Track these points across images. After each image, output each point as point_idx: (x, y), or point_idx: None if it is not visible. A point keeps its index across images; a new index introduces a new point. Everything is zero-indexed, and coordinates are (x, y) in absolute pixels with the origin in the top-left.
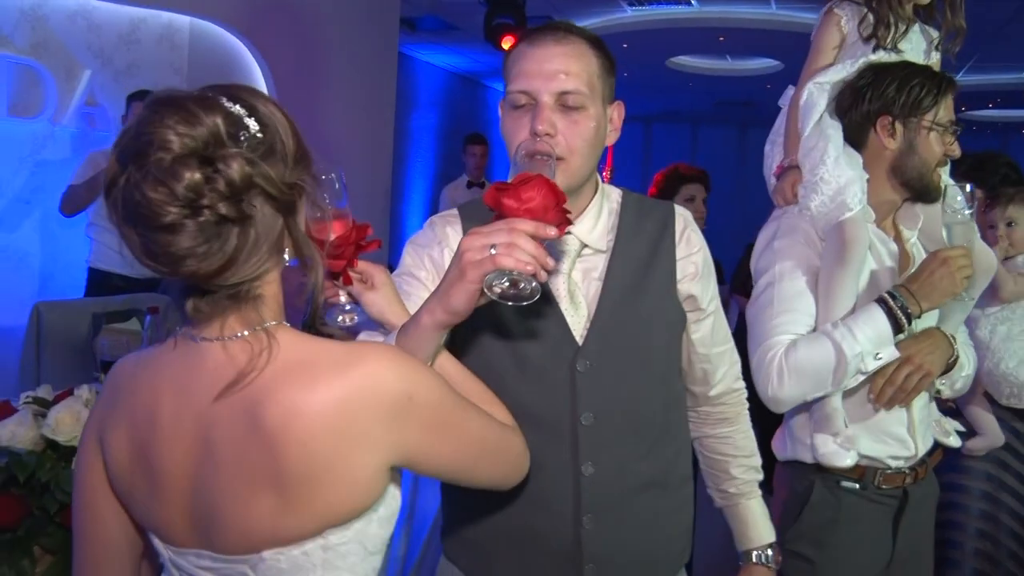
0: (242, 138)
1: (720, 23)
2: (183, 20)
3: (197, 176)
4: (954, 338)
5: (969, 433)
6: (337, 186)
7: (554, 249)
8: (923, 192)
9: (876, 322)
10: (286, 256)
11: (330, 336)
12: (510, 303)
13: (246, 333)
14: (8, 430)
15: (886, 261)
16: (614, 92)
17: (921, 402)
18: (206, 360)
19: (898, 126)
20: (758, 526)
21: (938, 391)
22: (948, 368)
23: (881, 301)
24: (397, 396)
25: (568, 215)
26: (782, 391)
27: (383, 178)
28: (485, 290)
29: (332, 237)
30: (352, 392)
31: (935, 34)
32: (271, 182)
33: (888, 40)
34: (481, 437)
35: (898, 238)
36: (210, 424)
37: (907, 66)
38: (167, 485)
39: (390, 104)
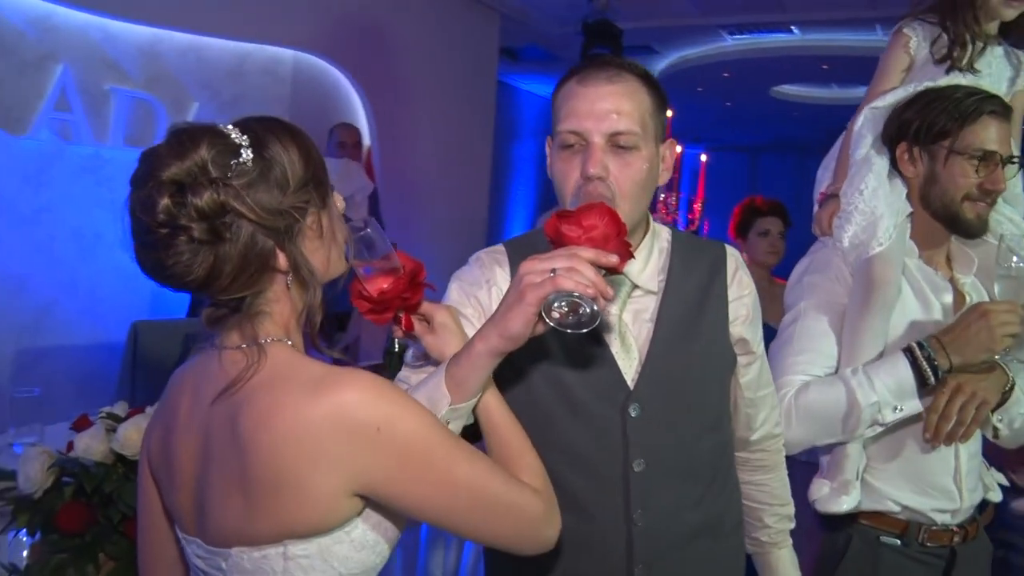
0: (232, 166)
1: (823, 51)
2: (287, 54)
3: (167, 202)
4: (1008, 365)
5: (1013, 489)
6: (375, 240)
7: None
8: (951, 225)
9: (898, 372)
10: (289, 279)
11: (343, 359)
12: (568, 331)
13: (244, 346)
14: (83, 442)
15: (933, 301)
16: (665, 130)
17: (970, 450)
18: (212, 366)
19: (917, 152)
20: None
21: (995, 431)
22: (1003, 399)
23: (908, 350)
24: (363, 425)
25: (630, 247)
26: (789, 433)
27: (480, 207)
28: (543, 314)
29: (385, 287)
30: (318, 413)
31: None
32: (251, 209)
33: (964, 61)
34: (472, 487)
35: (953, 280)
36: (208, 424)
37: (952, 89)
38: (179, 476)
39: (488, 133)
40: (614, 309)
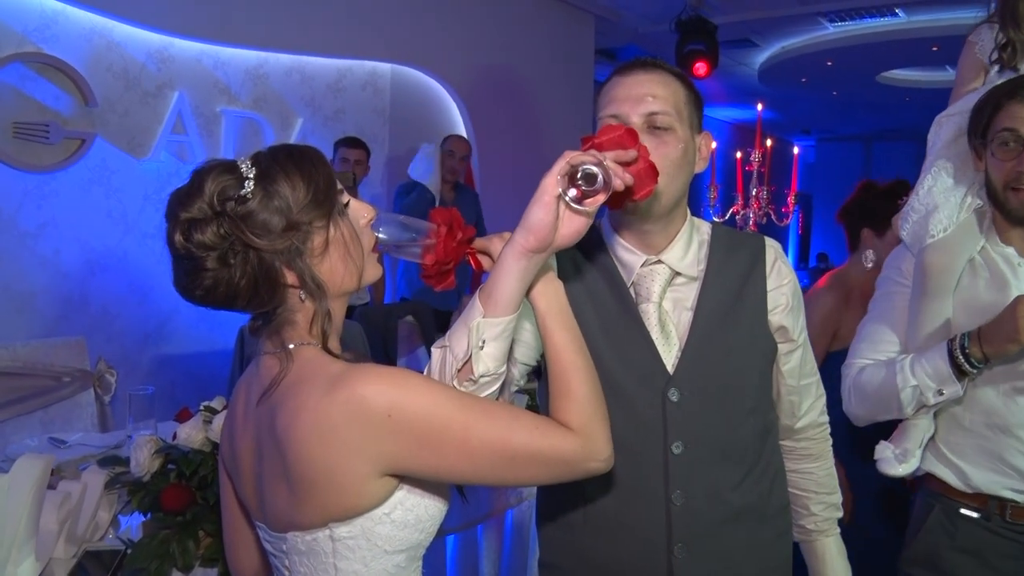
0: (235, 198)
1: (931, 32)
2: (385, 67)
3: (180, 238)
4: None
5: None
6: (398, 230)
7: (646, 279)
8: (1002, 213)
9: (936, 361)
10: (301, 293)
11: (358, 359)
12: (585, 206)
13: (276, 352)
14: (184, 432)
15: (1012, 284)
16: (702, 124)
17: None
18: (256, 370)
19: (978, 148)
20: (835, 565)
21: None
22: None
23: (950, 340)
24: (375, 414)
25: (656, 172)
26: (850, 409)
27: None
28: (562, 195)
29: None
30: (335, 409)
31: None
32: (253, 236)
33: (1011, 61)
34: (493, 447)
35: None
36: (257, 424)
37: (1004, 84)
38: (243, 471)
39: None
40: (655, 296)
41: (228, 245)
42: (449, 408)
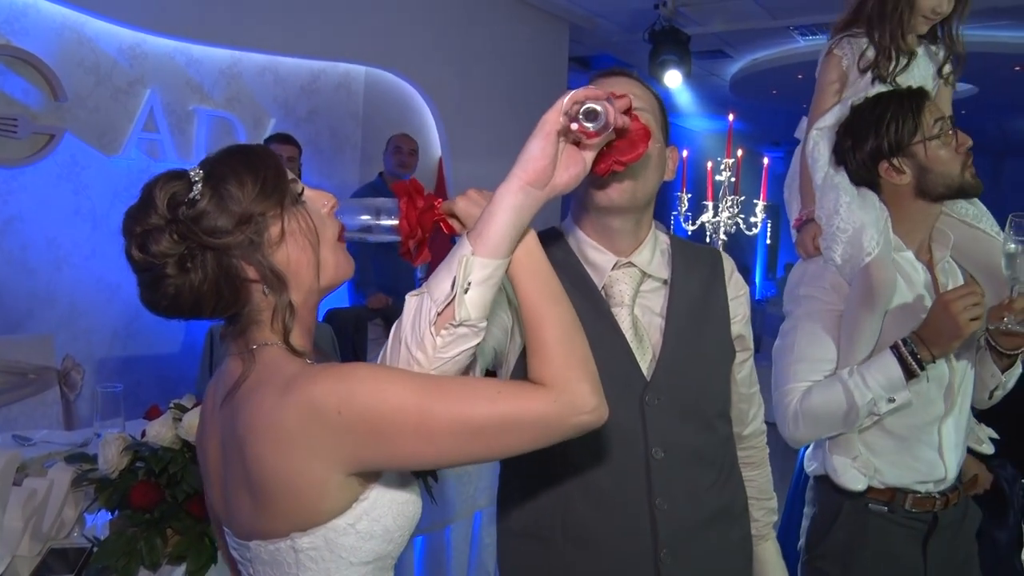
0: (185, 202)
1: None
2: (359, 69)
3: (136, 252)
4: None
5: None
6: (369, 216)
7: (617, 283)
8: (960, 194)
9: (888, 369)
10: (265, 289)
11: (319, 359)
12: (588, 140)
13: (241, 353)
14: (154, 429)
15: (916, 284)
16: (668, 138)
17: (958, 423)
18: (222, 373)
19: (899, 162)
20: (775, 568)
21: (992, 393)
22: (1012, 363)
23: (894, 348)
24: (325, 413)
25: (649, 133)
26: (798, 433)
27: (553, 217)
28: (563, 124)
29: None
30: (287, 413)
31: (942, 56)
32: (206, 237)
33: (889, 74)
34: (454, 424)
35: (931, 263)
36: (222, 427)
37: (876, 103)
38: (210, 474)
39: None
40: (627, 300)
41: (184, 250)
42: (398, 392)
